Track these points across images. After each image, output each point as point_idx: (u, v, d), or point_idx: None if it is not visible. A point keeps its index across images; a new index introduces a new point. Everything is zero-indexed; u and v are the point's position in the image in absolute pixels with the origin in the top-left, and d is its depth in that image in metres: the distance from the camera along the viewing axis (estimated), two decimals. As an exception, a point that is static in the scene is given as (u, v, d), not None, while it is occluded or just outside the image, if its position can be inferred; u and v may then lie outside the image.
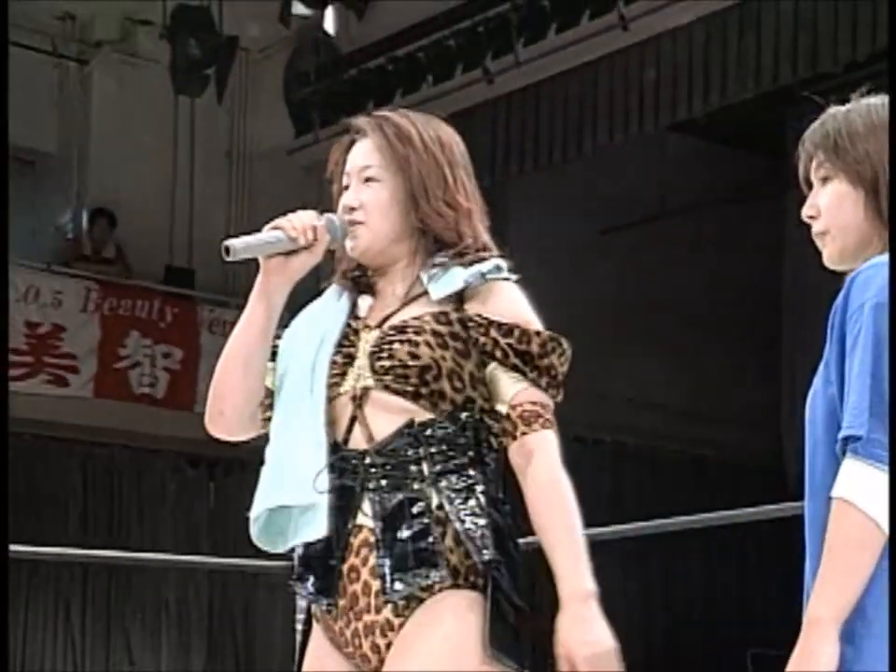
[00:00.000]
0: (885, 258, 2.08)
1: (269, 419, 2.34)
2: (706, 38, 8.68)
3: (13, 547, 6.44)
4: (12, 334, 10.14)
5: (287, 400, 2.32)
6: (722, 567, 11.45)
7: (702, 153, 11.51)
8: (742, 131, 10.95)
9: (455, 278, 2.29)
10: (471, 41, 9.63)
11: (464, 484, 2.24)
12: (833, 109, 2.20)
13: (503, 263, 2.33)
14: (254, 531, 2.31)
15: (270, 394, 2.35)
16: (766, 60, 8.42)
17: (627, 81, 9.10)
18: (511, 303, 2.31)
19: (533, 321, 2.31)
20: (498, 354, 2.26)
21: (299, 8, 10.05)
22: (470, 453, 2.26)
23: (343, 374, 2.30)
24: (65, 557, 7.38)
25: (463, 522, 2.22)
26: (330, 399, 2.29)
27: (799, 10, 8.23)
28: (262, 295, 2.31)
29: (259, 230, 2.35)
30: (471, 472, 2.25)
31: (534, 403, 2.25)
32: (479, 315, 2.28)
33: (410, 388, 2.24)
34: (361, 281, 2.40)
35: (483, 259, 2.32)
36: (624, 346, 11.50)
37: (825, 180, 2.18)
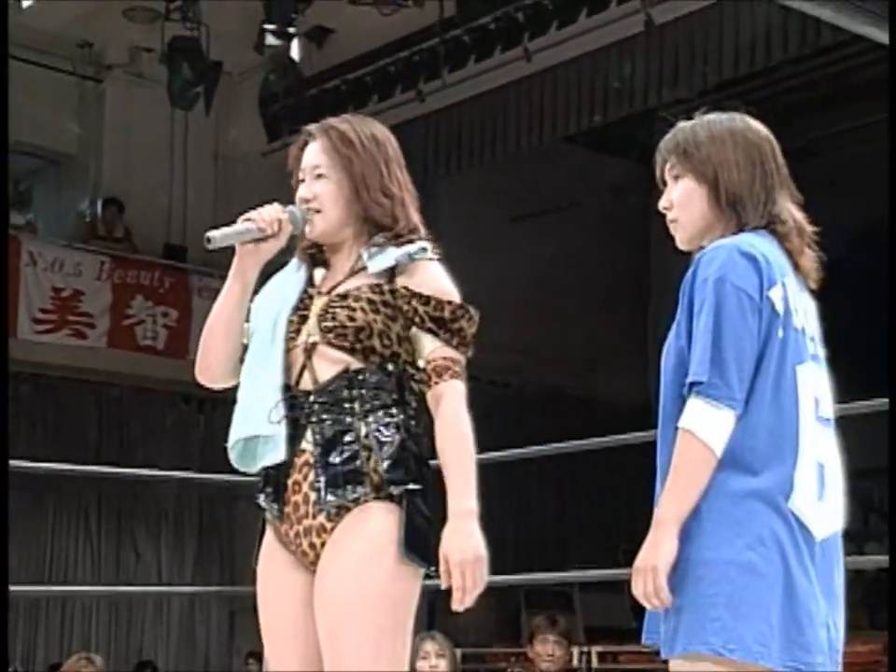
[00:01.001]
0: (725, 241, 2.10)
1: None
2: (591, 68, 8.70)
3: (44, 465, 6.45)
4: (42, 298, 10.05)
5: (254, 351, 2.32)
6: (606, 483, 11.53)
7: (586, 159, 11.54)
8: (618, 142, 11.00)
9: (388, 256, 2.30)
10: (407, 68, 9.60)
11: (388, 420, 2.25)
12: (682, 123, 2.22)
13: (428, 245, 2.33)
14: (232, 456, 2.33)
15: (245, 348, 2.36)
16: (638, 86, 8.47)
17: (531, 101, 9.12)
18: (431, 278, 2.31)
19: (449, 292, 2.30)
20: (417, 319, 2.27)
21: (270, 40, 9.97)
22: (394, 395, 2.26)
23: (298, 331, 2.30)
24: (84, 473, 7.33)
25: (383, 449, 2.22)
26: (288, 351, 2.29)
27: (663, 48, 8.29)
28: (238, 274, 2.34)
29: (236, 218, 2.36)
30: (394, 410, 2.25)
31: (445, 359, 2.26)
32: (405, 288, 2.28)
33: (347, 344, 2.25)
34: (317, 256, 2.40)
35: (413, 241, 2.31)
36: (522, 311, 11.54)
37: (676, 178, 2.19)
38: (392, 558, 2.18)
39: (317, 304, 2.32)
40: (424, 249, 2.32)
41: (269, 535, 2.32)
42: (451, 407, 2.24)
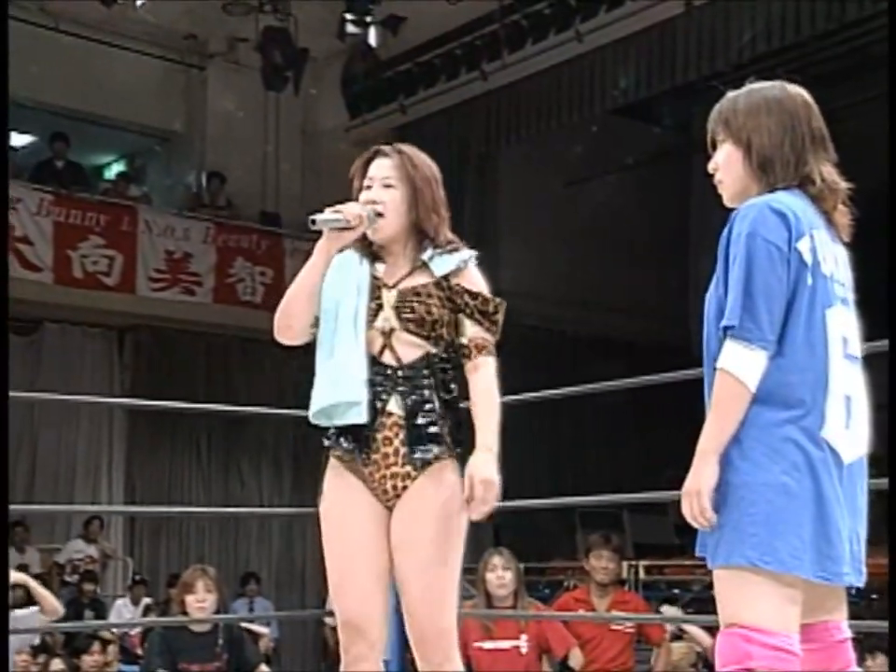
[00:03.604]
0: (758, 199, 2.07)
1: (312, 333, 2.52)
2: (636, 49, 8.56)
3: (164, 403, 6.54)
4: (156, 260, 10.14)
5: (336, 332, 2.48)
6: (650, 418, 11.46)
7: (632, 129, 11.39)
8: (660, 113, 10.84)
9: (449, 261, 2.52)
10: (472, 50, 9.53)
11: (452, 395, 2.51)
12: (730, 93, 2.20)
13: (473, 253, 2.54)
14: (312, 413, 2.52)
15: (314, 318, 2.53)
16: (679, 62, 8.33)
17: (581, 78, 9.01)
18: (477, 280, 2.54)
19: (486, 290, 2.53)
20: (468, 310, 2.50)
21: (351, 28, 9.96)
22: (452, 373, 2.50)
23: (375, 316, 2.48)
24: (195, 410, 7.37)
25: (451, 418, 2.49)
26: (367, 331, 2.48)
27: (701, 27, 8.13)
28: (323, 253, 2.50)
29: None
30: (452, 386, 2.51)
31: (484, 339, 2.50)
32: (459, 286, 2.51)
33: (424, 332, 2.47)
34: (372, 250, 2.56)
35: (459, 250, 2.53)
36: (575, 266, 11.48)
37: (720, 143, 2.17)
38: (461, 503, 2.44)
39: (389, 296, 2.50)
40: (472, 257, 2.54)
41: (344, 473, 2.52)
42: (486, 374, 2.48)
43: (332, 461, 2.55)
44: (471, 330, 2.49)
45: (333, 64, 10.71)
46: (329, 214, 2.47)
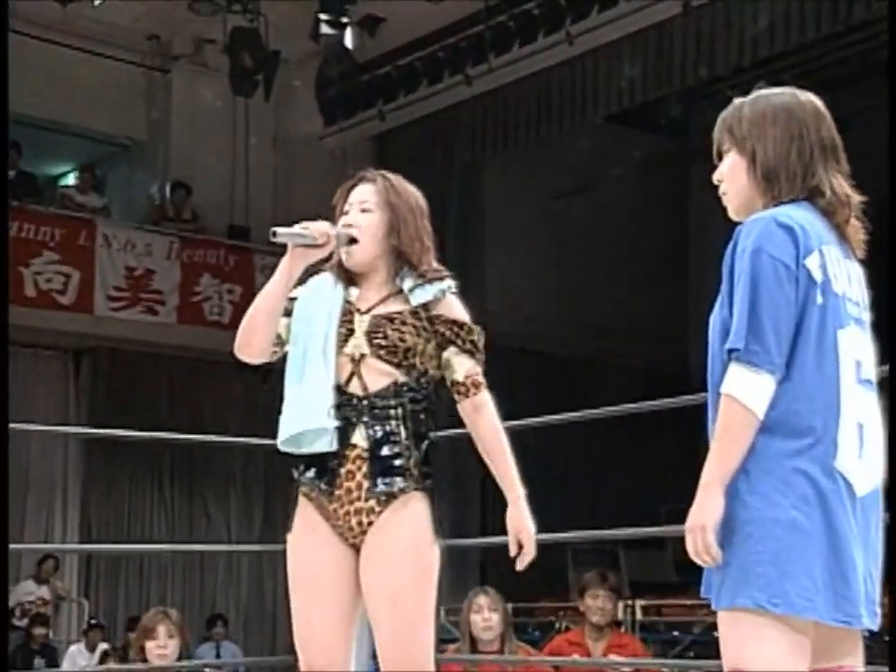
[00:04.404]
0: (763, 212, 2.07)
1: (275, 353, 2.62)
2: (630, 51, 8.60)
3: (123, 432, 6.51)
4: (116, 277, 10.11)
5: (305, 356, 2.56)
6: (646, 446, 11.48)
7: (626, 137, 11.43)
8: (655, 120, 10.88)
9: (428, 291, 2.59)
10: (455, 53, 9.52)
11: (422, 426, 2.56)
12: (735, 101, 2.20)
13: (453, 283, 2.62)
14: (280, 440, 2.59)
15: (278, 337, 2.61)
16: (676, 65, 8.36)
17: (573, 83, 9.03)
18: (458, 309, 2.63)
19: (468, 319, 2.62)
20: (459, 342, 2.58)
21: (325, 29, 9.95)
22: (425, 404, 2.56)
23: (345, 342, 2.56)
24: (157, 439, 7.39)
25: (419, 449, 2.55)
26: (336, 356, 2.56)
27: (700, 28, 8.17)
28: (286, 270, 2.58)
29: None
30: (423, 416, 2.56)
31: (477, 374, 2.59)
32: (440, 316, 2.58)
33: (395, 360, 2.54)
34: (349, 275, 2.64)
35: (441, 279, 2.60)
36: (564, 285, 11.51)
37: (725, 153, 2.17)
38: (430, 535, 2.53)
39: (361, 321, 2.57)
40: (451, 286, 2.62)
41: (309, 510, 2.59)
42: (490, 415, 2.57)
43: (300, 497, 2.62)
44: (466, 366, 2.56)
45: (307, 68, 10.72)
46: (294, 228, 2.54)
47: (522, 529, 2.54)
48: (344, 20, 9.90)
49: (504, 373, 11.12)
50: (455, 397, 2.58)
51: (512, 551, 2.53)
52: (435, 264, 2.63)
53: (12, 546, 9.29)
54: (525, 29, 9.08)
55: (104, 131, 11.14)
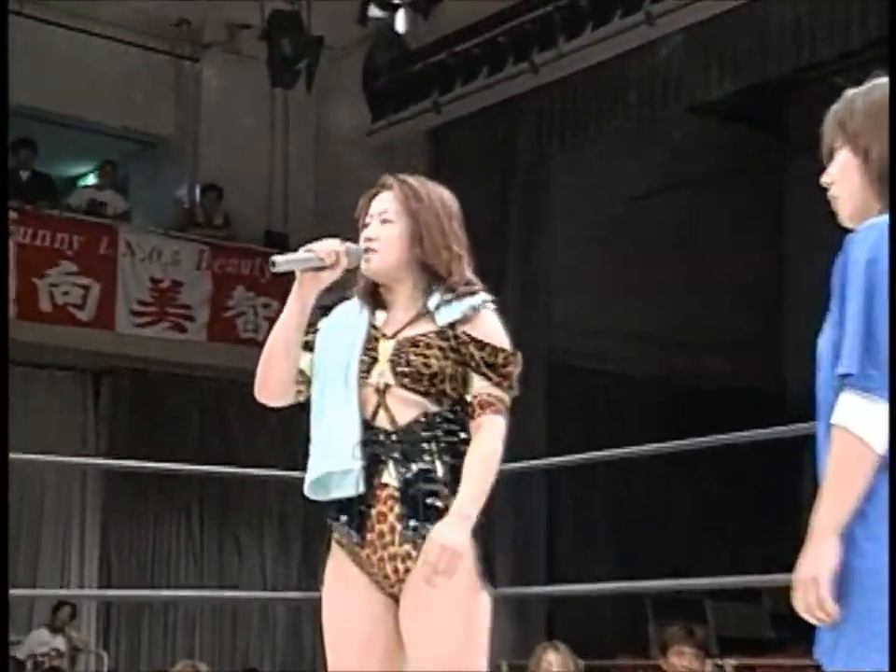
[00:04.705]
0: (880, 219, 2.02)
1: (300, 392, 2.68)
2: (718, 33, 8.52)
3: (147, 464, 6.55)
4: (140, 289, 10.21)
5: (327, 389, 2.62)
6: (735, 483, 11.32)
7: (715, 132, 11.34)
8: (750, 113, 10.78)
9: (455, 309, 2.61)
10: (520, 38, 9.50)
11: (459, 459, 2.57)
12: (847, 92, 2.16)
13: (487, 297, 2.64)
14: (306, 488, 2.63)
15: (300, 373, 2.67)
16: (772, 50, 8.26)
17: (653, 69, 8.96)
18: (489, 327, 2.63)
19: (503, 340, 2.63)
20: (473, 363, 2.59)
21: (374, 11, 10.00)
22: (462, 434, 2.58)
23: (369, 371, 2.60)
24: (186, 472, 7.44)
25: (457, 485, 2.55)
26: (359, 388, 2.60)
27: (799, 8, 8.08)
28: (297, 298, 2.64)
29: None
30: (462, 449, 2.57)
31: (490, 395, 2.59)
32: (465, 334, 2.60)
33: (422, 388, 2.57)
34: (377, 298, 2.69)
35: (473, 293, 2.63)
36: (644, 298, 11.42)
37: (836, 151, 2.13)
38: (476, 582, 2.54)
39: (386, 347, 2.62)
40: (485, 301, 2.64)
41: (342, 558, 2.61)
42: (486, 434, 2.57)
43: (333, 544, 2.65)
44: (477, 385, 2.60)
45: (353, 55, 10.78)
46: (297, 253, 2.61)
47: (441, 536, 2.46)
48: (395, 1, 9.95)
49: (571, 397, 11.21)
50: (468, 418, 2.60)
51: (420, 560, 2.49)
52: (468, 274, 2.66)
53: (24, 592, 9.41)
54: (600, 9, 9.04)
55: (126, 126, 11.25)
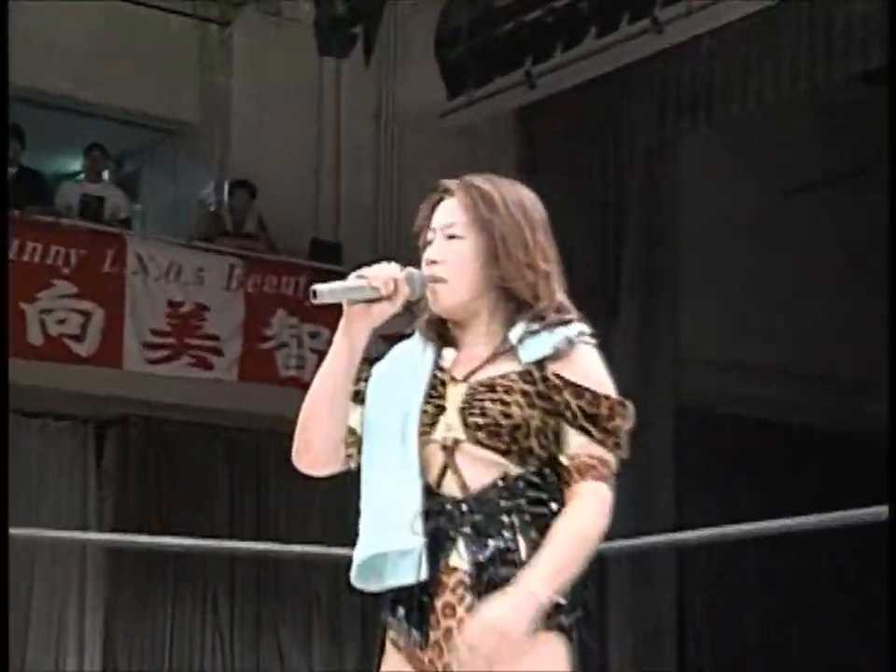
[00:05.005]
0: None
1: (350, 456, 2.68)
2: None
3: (162, 539, 6.56)
4: (154, 316, 10.27)
5: (380, 447, 2.63)
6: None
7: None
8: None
9: (543, 343, 2.60)
10: (637, -11, 9.52)
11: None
12: None
13: (585, 328, 2.64)
14: (353, 574, 2.62)
15: (351, 432, 2.68)
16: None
17: (811, 25, 8.89)
18: (588, 367, 2.62)
19: (606, 384, 2.62)
20: (569, 414, 2.57)
21: (450, -42, 10.03)
22: (553, 505, 2.57)
23: (433, 424, 2.60)
24: (211, 549, 7.47)
25: None
26: (420, 446, 2.59)
27: None
28: (345, 337, 2.67)
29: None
30: (552, 523, 2.55)
31: (591, 457, 2.57)
32: (556, 376, 2.59)
33: (501, 445, 2.56)
34: (444, 333, 2.70)
35: (566, 322, 2.63)
36: (808, 310, 11.32)
37: None
38: None
39: (455, 393, 2.63)
40: (582, 333, 2.63)
41: (398, 661, 2.62)
42: (583, 504, 2.55)
43: (387, 644, 2.65)
44: (574, 443, 2.59)
45: (424, 16, 10.82)
46: (346, 282, 2.64)
47: (483, 611, 2.46)
48: (476, -56, 9.97)
49: (706, 453, 11.06)
50: (562, 487, 2.60)
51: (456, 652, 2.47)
52: (560, 298, 2.67)
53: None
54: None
55: (138, 110, 11.33)
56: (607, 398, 2.59)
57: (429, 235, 2.69)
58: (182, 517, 9.72)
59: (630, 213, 10.73)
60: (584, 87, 10.08)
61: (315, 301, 2.62)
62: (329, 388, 2.65)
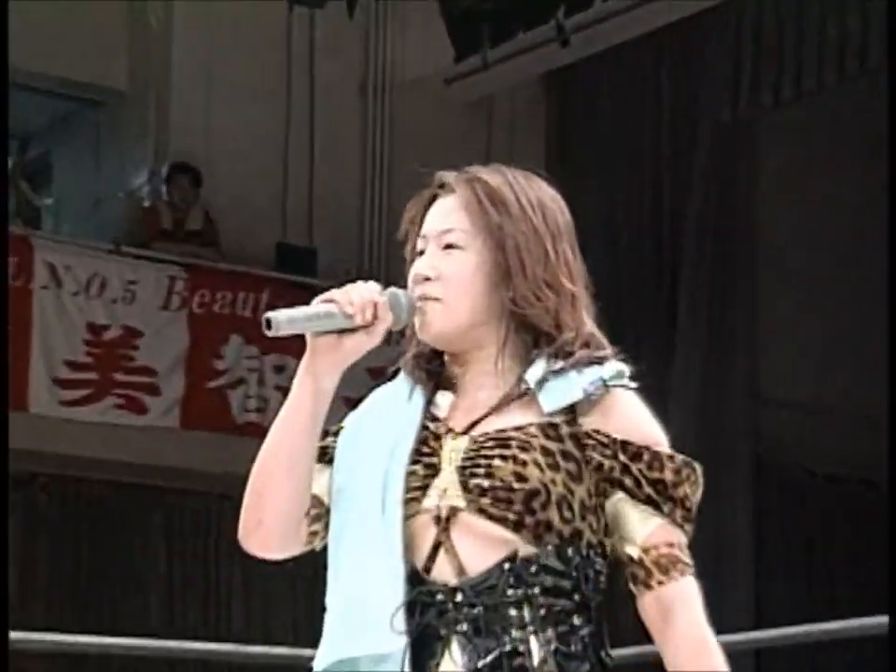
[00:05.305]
0: None
1: (315, 533, 2.68)
2: None
3: (79, 638, 6.45)
4: (70, 341, 10.30)
5: (352, 521, 2.61)
6: None
7: None
8: None
9: (572, 385, 2.57)
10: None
11: (571, 637, 2.55)
12: None
13: (624, 367, 2.61)
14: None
15: (317, 503, 2.67)
16: None
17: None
18: (636, 418, 2.60)
19: (662, 440, 2.60)
20: (628, 482, 2.55)
21: None
22: (576, 596, 2.55)
23: (423, 489, 2.58)
24: (145, 650, 7.41)
25: None
26: (406, 518, 2.57)
27: None
28: (309, 378, 2.66)
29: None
30: (576, 620, 2.55)
31: (670, 545, 2.56)
32: (598, 432, 2.57)
33: (512, 516, 2.53)
34: (438, 372, 2.69)
35: (599, 360, 2.60)
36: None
37: None
38: None
39: (453, 449, 2.60)
40: (620, 374, 2.60)
41: None
42: (688, 622, 2.54)
43: None
44: (647, 528, 2.58)
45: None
46: (310, 308, 2.62)
47: None
48: None
49: (793, 524, 11.02)
50: (630, 584, 2.58)
51: None
52: (590, 327, 2.65)
53: None
54: None
55: (46, 73, 11.36)
56: (671, 457, 2.58)
57: (419, 244, 2.67)
58: (106, 607, 9.66)
59: (692, 213, 10.70)
60: (631, 46, 10.15)
61: (270, 333, 2.58)
62: (286, 446, 2.63)
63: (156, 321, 10.47)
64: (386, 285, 2.63)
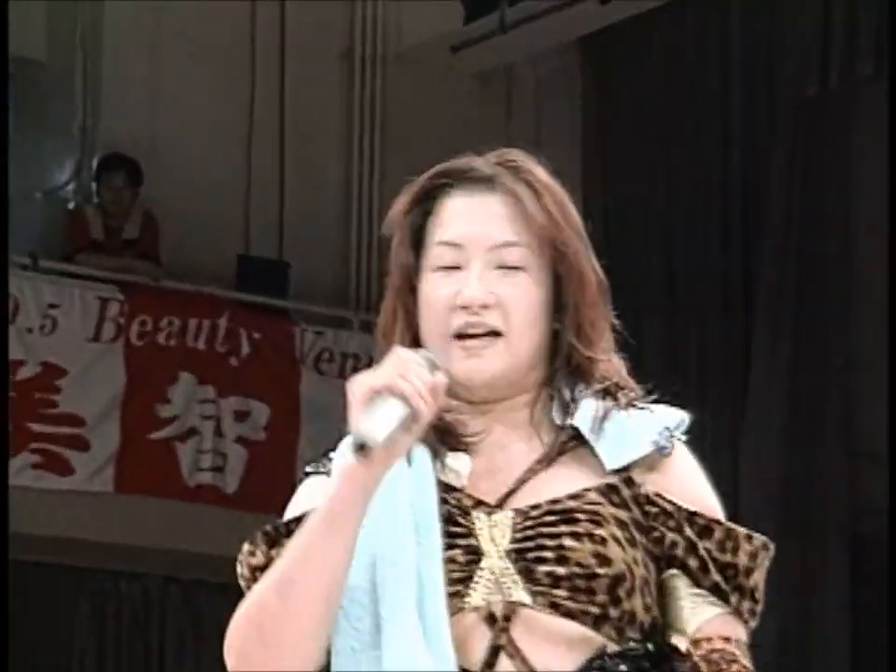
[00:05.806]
0: None
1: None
2: None
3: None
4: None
5: (377, 624, 2.52)
6: None
7: None
8: None
9: (632, 434, 2.59)
10: None
11: None
12: None
13: (685, 414, 2.67)
14: None
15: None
16: None
17: None
18: (700, 480, 2.66)
19: (717, 506, 2.64)
20: (693, 563, 2.58)
21: None
22: None
23: (465, 581, 2.54)
24: None
25: None
26: (450, 619, 2.52)
27: None
28: (358, 492, 2.49)
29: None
30: None
31: (727, 640, 2.56)
32: (661, 497, 2.59)
33: (596, 609, 2.53)
34: (444, 427, 2.62)
35: (651, 402, 2.66)
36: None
37: None
38: None
39: (494, 526, 2.57)
40: (682, 423, 2.65)
41: None
42: None
43: None
44: (696, 616, 2.59)
45: None
46: (378, 405, 2.47)
47: None
48: None
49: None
50: None
51: None
52: (620, 365, 2.69)
53: None
54: None
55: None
56: (748, 538, 2.60)
57: (447, 254, 2.63)
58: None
59: (769, 206, 10.79)
60: (684, 4, 10.32)
61: (364, 457, 2.44)
62: (324, 583, 2.52)
63: (83, 356, 10.58)
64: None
